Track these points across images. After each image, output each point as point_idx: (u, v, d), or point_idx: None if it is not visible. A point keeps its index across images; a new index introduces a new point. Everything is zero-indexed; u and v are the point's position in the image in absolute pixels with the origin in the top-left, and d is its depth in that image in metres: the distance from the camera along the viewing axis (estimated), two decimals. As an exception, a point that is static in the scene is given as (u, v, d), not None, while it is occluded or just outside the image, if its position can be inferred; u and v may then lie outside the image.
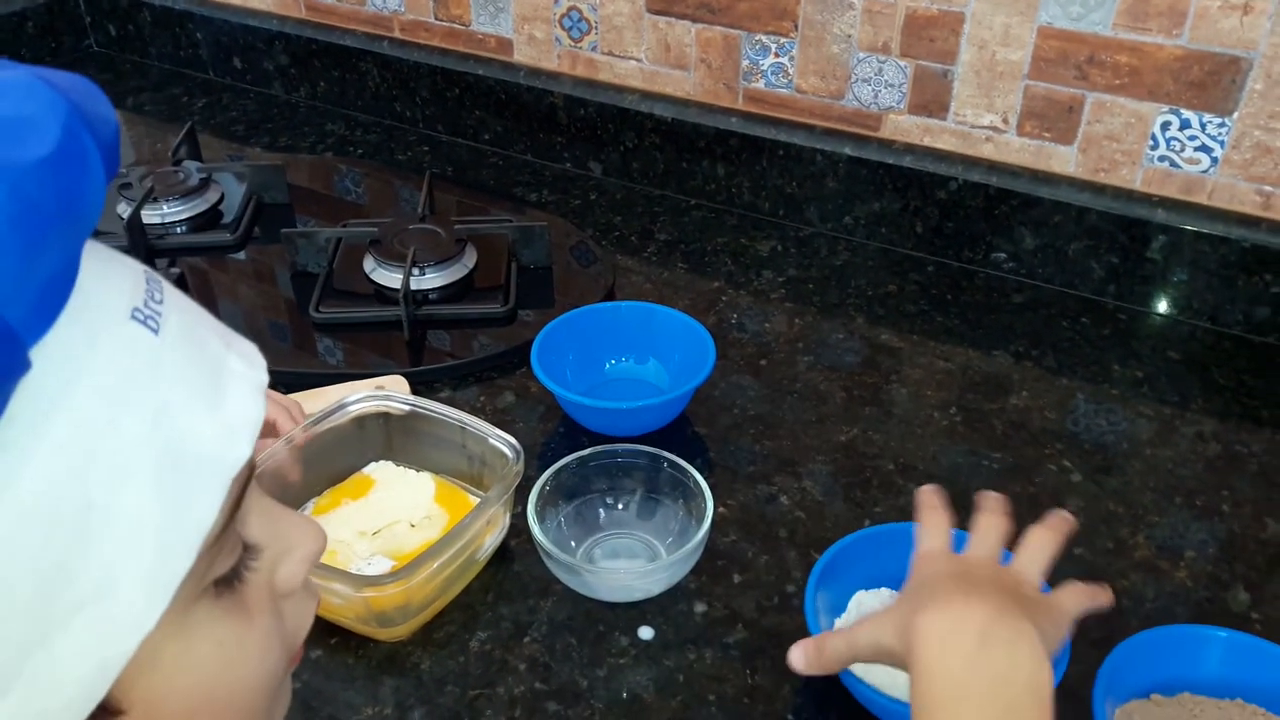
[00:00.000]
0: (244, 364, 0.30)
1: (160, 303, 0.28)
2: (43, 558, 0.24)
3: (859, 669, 0.51)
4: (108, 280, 0.26)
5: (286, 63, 1.21)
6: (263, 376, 0.30)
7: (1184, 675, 0.51)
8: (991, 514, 0.51)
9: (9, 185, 0.23)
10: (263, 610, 0.31)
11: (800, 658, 0.50)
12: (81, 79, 0.27)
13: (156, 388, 0.26)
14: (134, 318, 0.26)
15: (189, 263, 0.91)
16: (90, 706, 0.25)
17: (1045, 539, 0.50)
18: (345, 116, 1.19)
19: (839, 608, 0.57)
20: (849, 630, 0.49)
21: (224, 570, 0.29)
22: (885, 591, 0.57)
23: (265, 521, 0.31)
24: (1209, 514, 0.66)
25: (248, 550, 0.30)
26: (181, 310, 0.29)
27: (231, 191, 1.00)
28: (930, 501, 0.53)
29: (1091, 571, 0.62)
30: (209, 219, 0.97)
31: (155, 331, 0.27)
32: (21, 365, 0.23)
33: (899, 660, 0.45)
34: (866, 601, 0.57)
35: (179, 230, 0.95)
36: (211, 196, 0.98)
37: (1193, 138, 0.80)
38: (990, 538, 0.50)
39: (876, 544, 0.57)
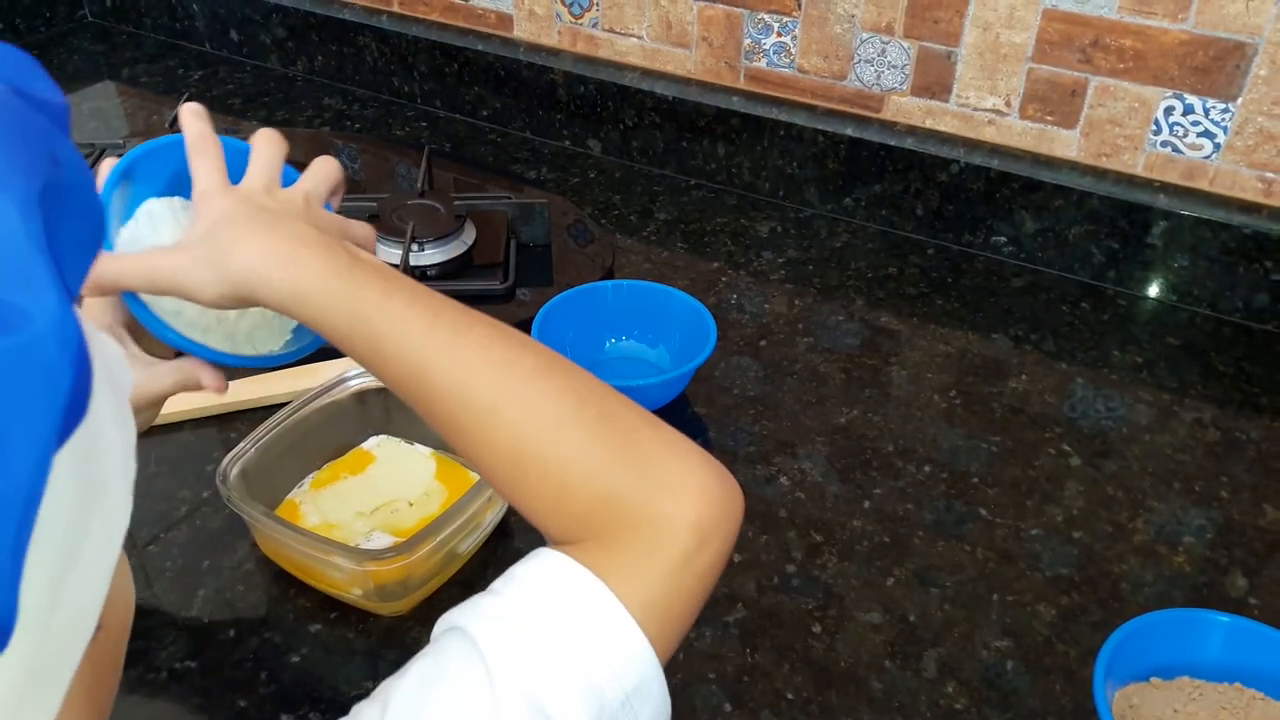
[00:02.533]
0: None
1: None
2: (82, 470, 0.24)
3: (146, 298, 0.47)
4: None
5: (284, 36, 1.19)
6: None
7: (1183, 659, 0.51)
8: (266, 142, 0.51)
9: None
10: None
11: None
12: (14, 51, 0.27)
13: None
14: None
15: (184, 237, 0.90)
16: (97, 618, 0.26)
17: (324, 163, 0.52)
18: (343, 91, 1.17)
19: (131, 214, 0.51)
20: (134, 259, 0.45)
21: None
22: (178, 201, 0.52)
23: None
24: (1207, 500, 0.66)
25: None
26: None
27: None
28: (197, 130, 0.49)
29: (1090, 556, 0.62)
30: (204, 193, 0.96)
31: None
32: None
33: (211, 300, 0.44)
34: (157, 211, 0.51)
35: (174, 204, 0.94)
36: (207, 170, 0.97)
37: (1196, 123, 0.80)
38: (270, 165, 0.50)
39: (178, 152, 0.50)
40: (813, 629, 0.57)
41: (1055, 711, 0.53)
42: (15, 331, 0.21)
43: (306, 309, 0.41)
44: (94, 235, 0.26)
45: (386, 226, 0.86)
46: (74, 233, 0.24)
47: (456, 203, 0.89)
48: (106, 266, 0.45)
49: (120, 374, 0.29)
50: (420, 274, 0.84)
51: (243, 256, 0.43)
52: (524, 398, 0.38)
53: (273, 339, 0.52)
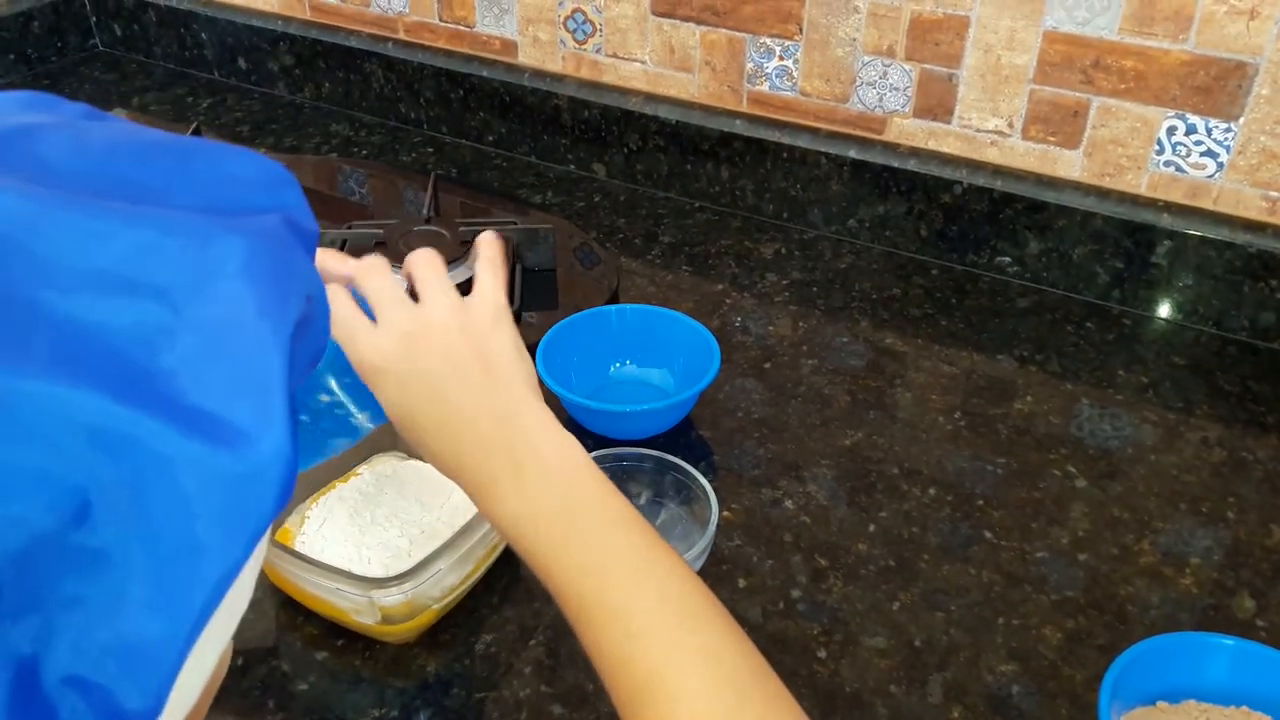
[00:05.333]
0: None
1: None
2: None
3: None
4: None
5: (291, 63, 1.21)
6: None
7: (1190, 682, 0.51)
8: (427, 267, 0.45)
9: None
10: None
11: None
12: (287, 177, 0.28)
13: None
14: None
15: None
16: (200, 693, 0.27)
17: (488, 261, 0.46)
18: (350, 117, 1.19)
19: None
20: (344, 311, 0.43)
21: None
22: None
23: None
24: (1214, 521, 0.66)
25: None
26: None
27: (236, 192, 1.00)
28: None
29: (1096, 578, 0.62)
30: (214, 220, 0.97)
31: None
32: None
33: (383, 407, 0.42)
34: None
35: (184, 231, 0.95)
36: (216, 197, 0.98)
37: (1199, 143, 0.80)
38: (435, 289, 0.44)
39: None
40: (818, 654, 0.57)
41: (1063, 737, 0.53)
42: (240, 454, 0.22)
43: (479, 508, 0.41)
44: (314, 359, 0.27)
45: (392, 252, 0.87)
46: (304, 359, 0.25)
47: (462, 228, 0.90)
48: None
49: None
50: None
51: (423, 425, 0.41)
52: (683, 679, 0.36)
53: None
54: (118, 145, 0.25)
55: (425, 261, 0.45)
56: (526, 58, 1.07)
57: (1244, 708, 0.50)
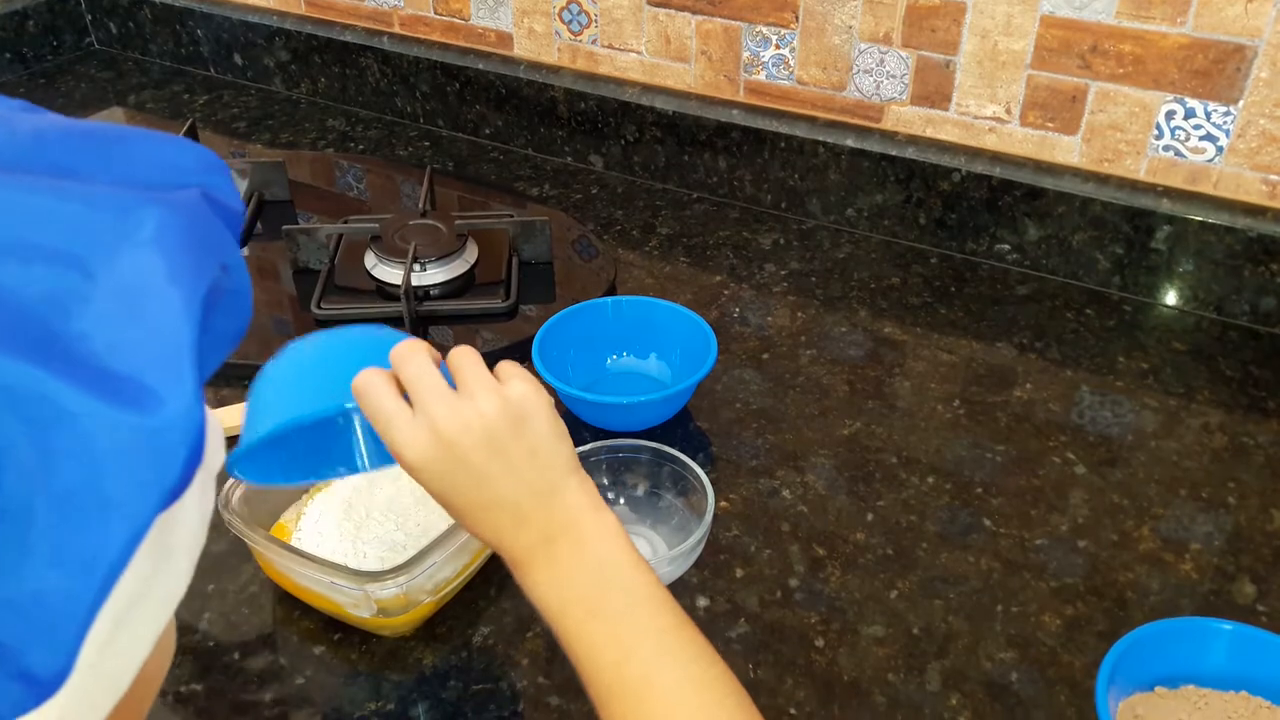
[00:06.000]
0: None
1: None
2: (159, 540, 0.26)
3: None
4: None
5: (287, 59, 1.20)
6: None
7: (1189, 668, 0.50)
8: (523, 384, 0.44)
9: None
10: None
11: None
12: (209, 156, 0.29)
13: None
14: None
15: (191, 260, 0.91)
16: (136, 672, 0.27)
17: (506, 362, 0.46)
18: (346, 112, 1.18)
19: None
20: (377, 393, 0.43)
21: None
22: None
23: None
24: (1215, 506, 0.66)
25: None
26: None
27: (233, 188, 1.00)
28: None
29: (1095, 565, 0.62)
30: (210, 216, 0.97)
31: None
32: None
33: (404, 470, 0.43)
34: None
35: (180, 227, 0.95)
36: (213, 193, 0.98)
37: (1197, 127, 0.79)
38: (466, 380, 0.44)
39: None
40: (816, 643, 0.57)
41: (1062, 724, 0.53)
42: (148, 414, 0.22)
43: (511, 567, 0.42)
44: (237, 334, 0.27)
45: (389, 247, 0.86)
46: (221, 330, 0.26)
47: (458, 222, 0.90)
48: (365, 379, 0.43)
49: (215, 453, 0.30)
50: (423, 293, 0.85)
51: (462, 508, 0.42)
52: None
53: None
54: (45, 132, 0.26)
55: (465, 356, 0.45)
56: (522, 50, 1.06)
57: (1243, 693, 0.50)
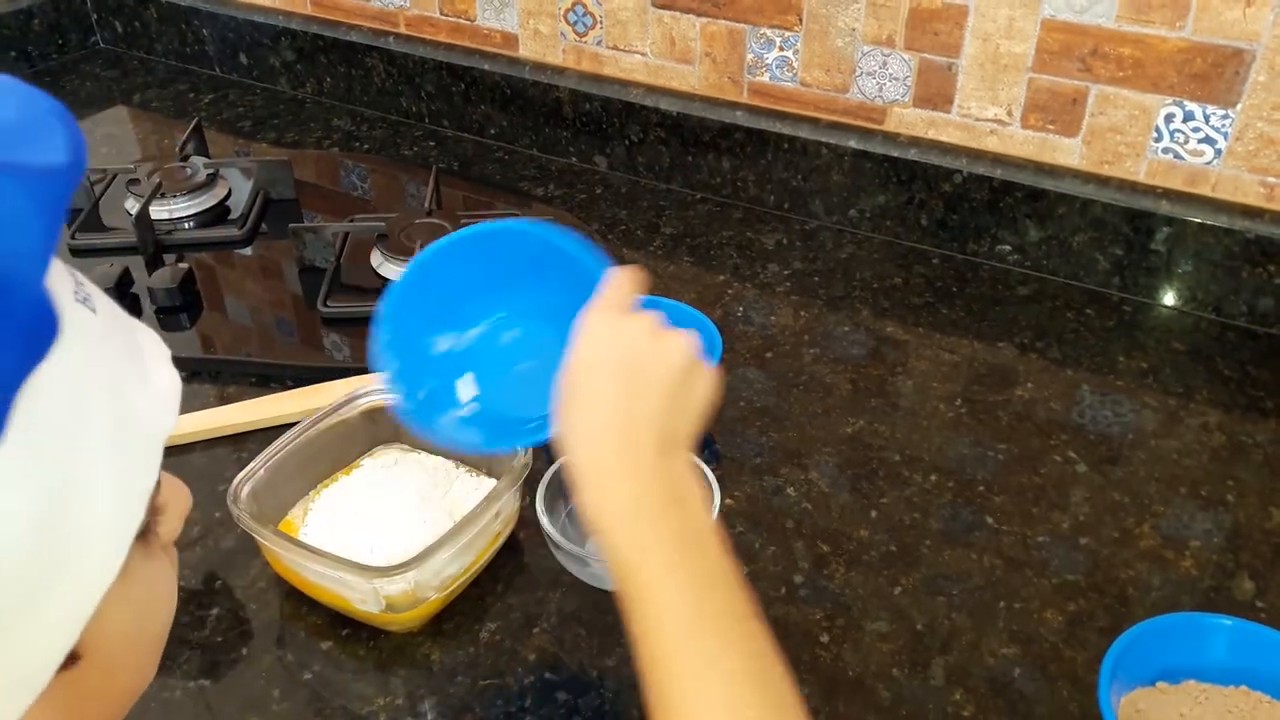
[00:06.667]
0: (151, 340, 0.33)
1: (84, 284, 0.30)
2: (37, 532, 0.25)
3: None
4: (51, 265, 0.28)
5: (293, 58, 1.21)
6: (168, 350, 0.33)
7: (1189, 663, 0.51)
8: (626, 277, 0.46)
9: (44, 188, 0.25)
10: (163, 556, 0.34)
11: None
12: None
13: (106, 364, 0.28)
14: (77, 299, 0.28)
15: (196, 258, 0.92)
16: (62, 658, 0.27)
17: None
18: (351, 112, 1.19)
19: None
20: None
21: (145, 524, 0.31)
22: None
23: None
24: (1214, 504, 0.66)
25: (155, 508, 0.33)
26: (99, 292, 0.31)
27: (239, 187, 1.01)
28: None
29: (1097, 562, 0.62)
30: (216, 215, 0.97)
31: (94, 312, 0.29)
32: (54, 337, 0.25)
33: None
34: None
35: (187, 226, 0.96)
36: (219, 192, 0.99)
37: (1196, 130, 0.80)
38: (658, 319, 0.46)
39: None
40: (820, 639, 0.58)
41: (1063, 718, 0.53)
42: None
43: (597, 531, 0.43)
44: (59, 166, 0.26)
45: (395, 245, 0.87)
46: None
47: (464, 220, 0.90)
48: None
49: (144, 417, 0.30)
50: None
51: (572, 441, 0.43)
52: None
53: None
54: None
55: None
56: (527, 51, 1.07)
57: (1243, 687, 0.50)
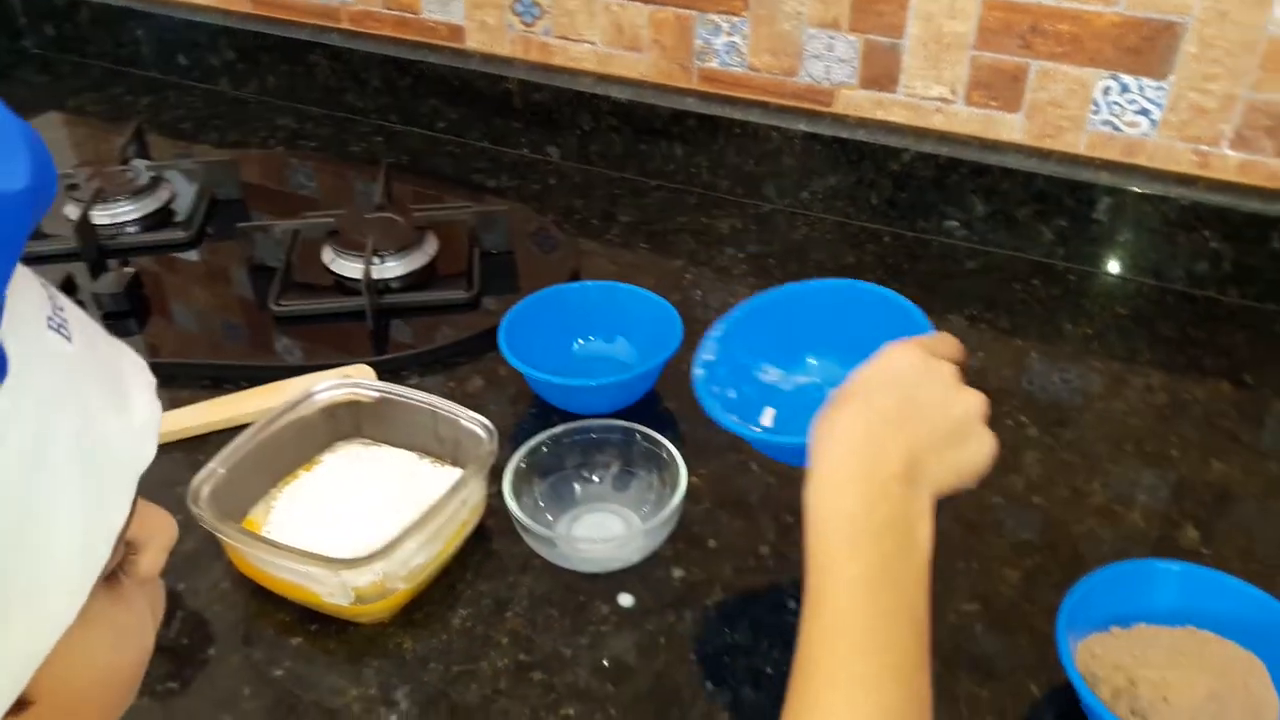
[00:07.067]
0: (135, 367, 0.31)
1: (63, 310, 0.28)
2: None
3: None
4: (21, 290, 0.26)
5: (233, 58, 1.19)
6: (152, 378, 0.32)
7: (1140, 607, 0.53)
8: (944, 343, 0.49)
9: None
10: (137, 595, 0.32)
11: None
12: None
13: (78, 394, 0.27)
14: (50, 326, 0.27)
15: (142, 263, 0.90)
16: (10, 702, 0.26)
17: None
18: (296, 110, 1.17)
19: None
20: None
21: (114, 564, 0.30)
22: None
23: (137, 516, 0.32)
24: (1159, 460, 0.69)
25: (129, 545, 0.31)
26: (79, 318, 0.29)
27: (183, 190, 0.99)
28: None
29: (1050, 520, 0.64)
30: (161, 218, 0.95)
31: (68, 339, 0.27)
32: (3, 370, 0.24)
33: None
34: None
35: (131, 230, 0.94)
36: (163, 195, 0.97)
37: (1132, 101, 0.83)
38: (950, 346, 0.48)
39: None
40: (789, 605, 0.59)
41: (1023, 668, 0.55)
42: None
43: (813, 527, 0.43)
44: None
45: (346, 241, 0.86)
46: None
47: (416, 214, 0.90)
48: None
49: (116, 449, 0.28)
50: (383, 287, 0.85)
51: (826, 437, 0.44)
52: None
53: None
54: None
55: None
56: (474, 42, 1.06)
57: (1190, 627, 0.52)
